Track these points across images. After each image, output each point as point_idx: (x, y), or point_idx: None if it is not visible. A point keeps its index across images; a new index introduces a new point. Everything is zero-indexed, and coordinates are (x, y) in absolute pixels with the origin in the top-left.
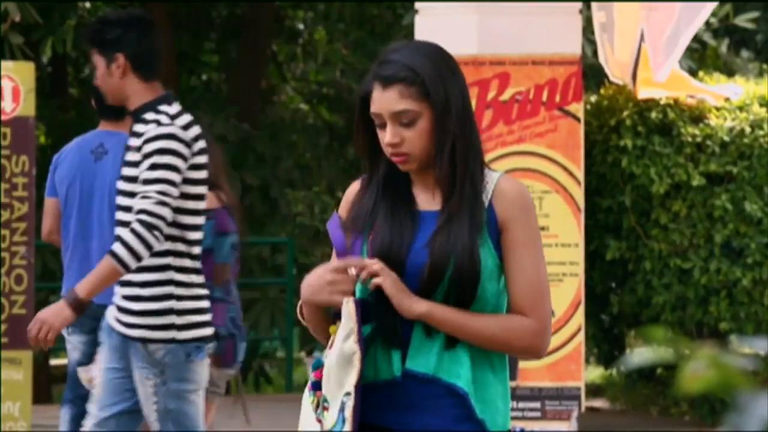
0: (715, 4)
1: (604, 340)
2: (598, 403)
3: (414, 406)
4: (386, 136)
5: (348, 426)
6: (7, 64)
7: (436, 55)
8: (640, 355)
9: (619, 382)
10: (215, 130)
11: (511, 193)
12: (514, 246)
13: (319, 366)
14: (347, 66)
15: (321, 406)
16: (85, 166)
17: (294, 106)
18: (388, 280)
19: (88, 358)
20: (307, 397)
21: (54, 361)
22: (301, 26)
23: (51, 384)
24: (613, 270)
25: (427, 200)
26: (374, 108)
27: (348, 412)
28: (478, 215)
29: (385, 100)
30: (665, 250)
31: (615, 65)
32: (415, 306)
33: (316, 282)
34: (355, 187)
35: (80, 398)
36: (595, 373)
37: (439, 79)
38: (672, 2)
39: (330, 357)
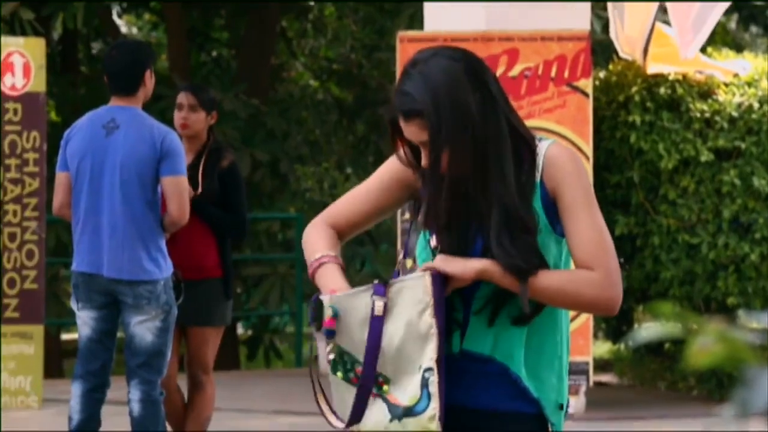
0: None
1: (612, 316)
2: (606, 377)
3: (469, 384)
4: (423, 160)
5: (435, 402)
6: (18, 40)
7: (454, 71)
8: (648, 330)
9: (626, 357)
10: (225, 106)
11: (558, 160)
12: (568, 208)
13: (336, 314)
14: (357, 42)
15: (374, 382)
16: (97, 141)
17: (303, 82)
18: (437, 260)
19: (98, 334)
20: (324, 352)
21: (65, 336)
22: (311, 2)
23: (62, 358)
24: (622, 245)
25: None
26: (405, 135)
27: (434, 388)
28: (533, 184)
29: (409, 132)
30: (673, 225)
31: (624, 41)
32: (470, 264)
33: None
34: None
35: (91, 373)
36: (603, 348)
37: (446, 108)
38: None
39: (390, 337)
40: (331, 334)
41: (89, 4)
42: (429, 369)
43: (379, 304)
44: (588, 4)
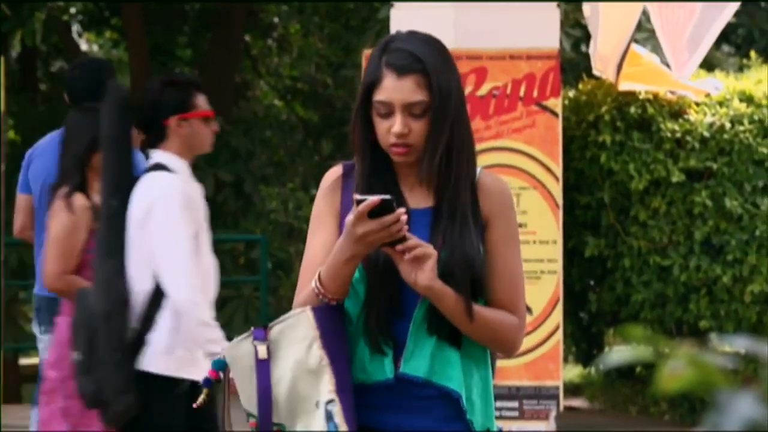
0: (738, 3)
1: (583, 339)
2: (577, 402)
3: (406, 408)
4: (395, 126)
5: (344, 427)
6: None
7: (441, 47)
8: (618, 353)
9: (597, 381)
10: None
11: (496, 189)
12: (499, 242)
13: (221, 366)
14: (322, 59)
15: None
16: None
17: (268, 102)
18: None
19: None
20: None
21: (24, 361)
22: (275, 20)
23: (20, 384)
24: (592, 267)
25: (416, 197)
26: (384, 96)
27: (339, 418)
28: (476, 212)
29: (400, 90)
30: (644, 247)
31: (598, 58)
32: (429, 280)
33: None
34: (334, 173)
35: None
36: (574, 371)
37: (444, 72)
38: (689, 1)
39: (278, 381)
40: (207, 384)
41: (48, 21)
42: (330, 401)
43: (262, 349)
44: (557, 23)
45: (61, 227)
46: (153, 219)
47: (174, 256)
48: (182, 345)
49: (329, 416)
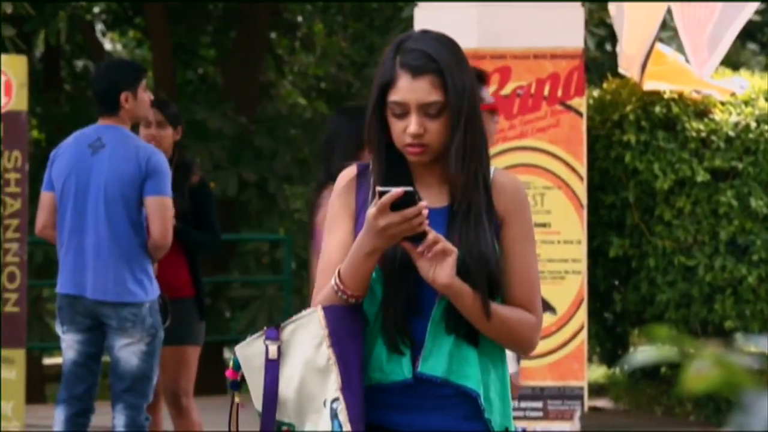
0: (758, 3)
1: (607, 339)
2: (601, 402)
3: (423, 407)
4: (411, 127)
5: (347, 426)
6: None
7: (454, 46)
8: (643, 353)
9: (622, 381)
10: (211, 124)
11: (511, 188)
12: (514, 241)
13: (237, 367)
14: (346, 59)
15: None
16: (82, 161)
17: (292, 101)
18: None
19: (83, 357)
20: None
21: (47, 360)
22: (299, 19)
23: (44, 383)
24: (617, 267)
25: (431, 197)
26: (399, 97)
27: (343, 416)
28: (491, 210)
29: (415, 90)
30: (669, 247)
31: (623, 57)
32: (444, 274)
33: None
34: (349, 174)
35: (75, 398)
36: (598, 372)
37: (458, 71)
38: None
39: (288, 380)
40: (235, 386)
41: (72, 21)
42: (335, 399)
43: (273, 348)
44: (581, 21)
45: None
46: None
47: None
48: None
49: (334, 415)
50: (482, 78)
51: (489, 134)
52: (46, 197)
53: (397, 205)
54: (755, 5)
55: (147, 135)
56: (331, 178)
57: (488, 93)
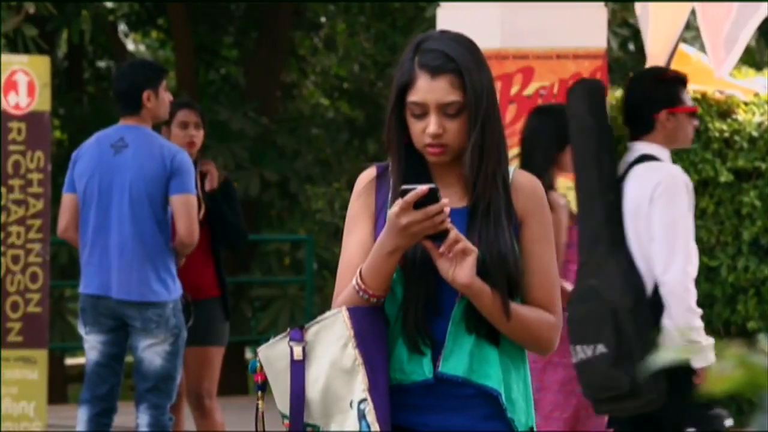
0: None
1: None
2: None
3: (444, 407)
4: (430, 127)
5: (375, 426)
6: (22, 58)
7: (472, 46)
8: (665, 354)
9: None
10: (233, 125)
11: (529, 187)
12: (534, 241)
13: (255, 369)
14: (368, 59)
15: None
16: (105, 161)
17: (314, 101)
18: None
19: (106, 358)
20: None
21: (69, 361)
22: (322, 19)
23: (66, 383)
24: None
25: (451, 198)
26: (419, 97)
27: (371, 417)
28: (510, 211)
29: (434, 90)
30: None
31: (649, 57)
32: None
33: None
34: (368, 175)
35: (98, 398)
36: None
37: (476, 71)
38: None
39: (313, 382)
40: (262, 388)
41: (95, 20)
42: (363, 400)
43: (298, 350)
44: (604, 21)
45: None
46: (657, 204)
47: (674, 239)
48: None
49: (362, 415)
50: (683, 81)
51: (687, 136)
52: (67, 199)
53: (420, 203)
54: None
55: (186, 136)
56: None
57: (689, 96)
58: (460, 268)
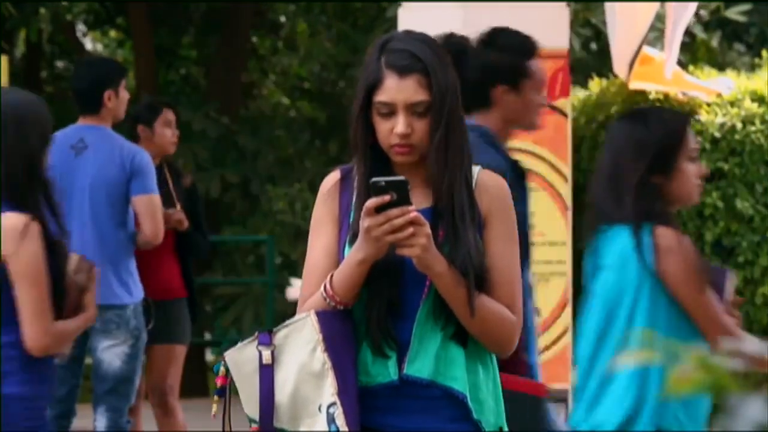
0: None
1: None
2: None
3: (411, 409)
4: (398, 127)
5: (345, 428)
6: None
7: (437, 46)
8: (629, 356)
9: None
10: (195, 126)
11: (494, 188)
12: (496, 241)
13: (226, 373)
14: (330, 59)
15: None
16: (65, 162)
17: (275, 101)
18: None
19: (65, 359)
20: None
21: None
22: (282, 19)
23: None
24: None
25: (416, 198)
26: (387, 97)
27: (340, 420)
28: (474, 209)
29: (402, 90)
30: None
31: (614, 58)
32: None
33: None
34: (332, 179)
35: (57, 400)
36: None
37: (442, 71)
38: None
39: (282, 385)
40: (220, 393)
41: (53, 19)
42: (332, 404)
43: (266, 353)
44: (566, 22)
45: None
46: None
47: None
48: None
49: (331, 419)
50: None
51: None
52: None
53: (385, 207)
54: (695, 5)
55: (172, 136)
56: None
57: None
58: (416, 240)
